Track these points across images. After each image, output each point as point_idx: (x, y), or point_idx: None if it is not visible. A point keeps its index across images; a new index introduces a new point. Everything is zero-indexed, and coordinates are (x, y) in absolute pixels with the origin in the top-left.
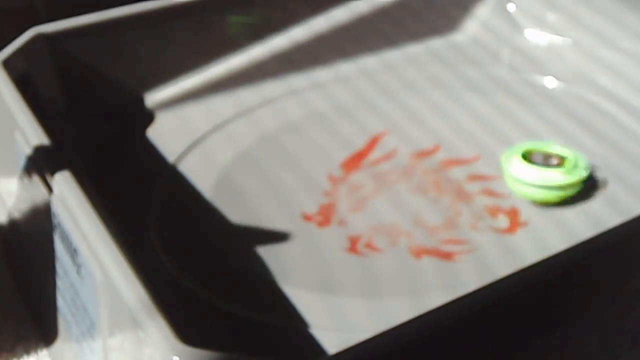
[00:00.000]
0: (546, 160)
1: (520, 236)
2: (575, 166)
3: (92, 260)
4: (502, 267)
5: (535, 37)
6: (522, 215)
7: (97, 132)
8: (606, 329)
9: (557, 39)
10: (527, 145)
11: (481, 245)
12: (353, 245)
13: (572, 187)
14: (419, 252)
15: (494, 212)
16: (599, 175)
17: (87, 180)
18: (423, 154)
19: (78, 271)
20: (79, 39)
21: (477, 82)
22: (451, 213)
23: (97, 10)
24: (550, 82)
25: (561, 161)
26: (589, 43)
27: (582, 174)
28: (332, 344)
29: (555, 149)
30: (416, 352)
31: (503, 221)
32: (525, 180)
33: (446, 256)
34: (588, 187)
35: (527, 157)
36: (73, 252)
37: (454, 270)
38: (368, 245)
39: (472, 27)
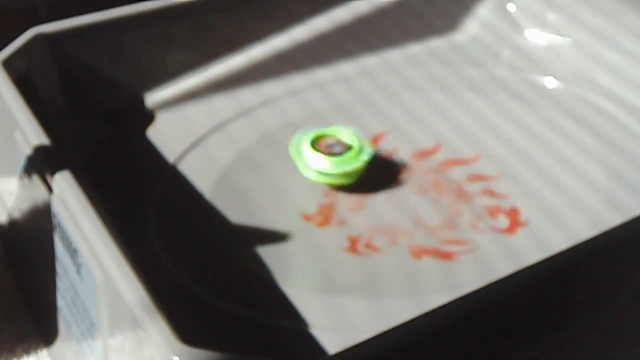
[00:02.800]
0: (331, 148)
1: (520, 236)
2: (359, 152)
3: (92, 260)
4: (502, 267)
5: (535, 37)
6: (522, 215)
7: (97, 132)
8: (606, 329)
9: (557, 39)
10: (315, 132)
11: (481, 245)
12: (353, 245)
13: (355, 174)
14: (419, 252)
15: (494, 212)
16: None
17: (87, 180)
18: (423, 154)
19: (78, 271)
20: (79, 39)
21: (477, 82)
22: (451, 213)
23: (97, 10)
24: (550, 82)
25: (346, 148)
26: (589, 43)
27: (364, 159)
28: (332, 344)
29: (343, 136)
30: (416, 352)
31: (503, 221)
32: (317, 169)
33: (446, 256)
34: (587, 188)
35: (315, 145)
36: (73, 252)
37: (454, 270)
38: (368, 245)
39: (472, 27)
